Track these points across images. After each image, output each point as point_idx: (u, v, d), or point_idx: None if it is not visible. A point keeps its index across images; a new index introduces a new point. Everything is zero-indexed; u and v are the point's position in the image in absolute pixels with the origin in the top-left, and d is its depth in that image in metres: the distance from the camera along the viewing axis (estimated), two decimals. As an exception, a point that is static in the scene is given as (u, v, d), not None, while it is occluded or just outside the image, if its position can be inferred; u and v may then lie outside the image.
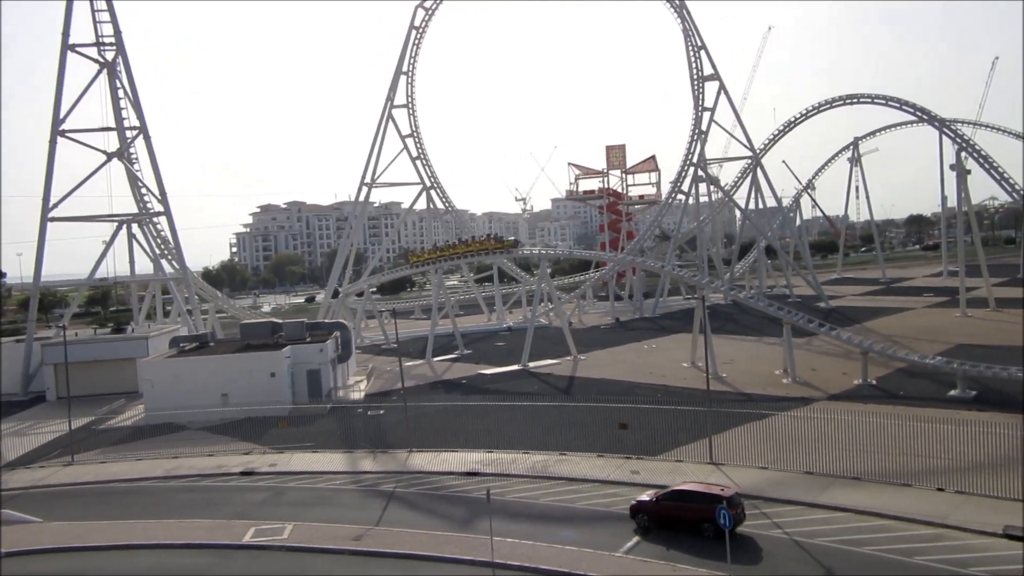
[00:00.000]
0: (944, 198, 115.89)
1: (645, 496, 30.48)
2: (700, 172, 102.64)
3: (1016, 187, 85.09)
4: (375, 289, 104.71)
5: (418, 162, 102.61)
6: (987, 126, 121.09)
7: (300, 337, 60.97)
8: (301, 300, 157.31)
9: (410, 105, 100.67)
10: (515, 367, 67.23)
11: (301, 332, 61.94)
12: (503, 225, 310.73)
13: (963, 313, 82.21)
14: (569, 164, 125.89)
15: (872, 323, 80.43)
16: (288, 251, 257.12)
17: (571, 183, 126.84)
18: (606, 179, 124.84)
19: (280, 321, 68.43)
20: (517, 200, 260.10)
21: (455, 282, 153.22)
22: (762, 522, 29.50)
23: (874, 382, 52.63)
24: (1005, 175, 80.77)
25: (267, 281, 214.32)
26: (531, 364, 67.33)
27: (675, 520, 29.00)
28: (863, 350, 53.45)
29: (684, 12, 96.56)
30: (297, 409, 52.68)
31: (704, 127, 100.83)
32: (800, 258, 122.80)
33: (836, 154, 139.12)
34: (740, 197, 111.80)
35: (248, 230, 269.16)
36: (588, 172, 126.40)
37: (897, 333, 71.73)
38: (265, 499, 36.38)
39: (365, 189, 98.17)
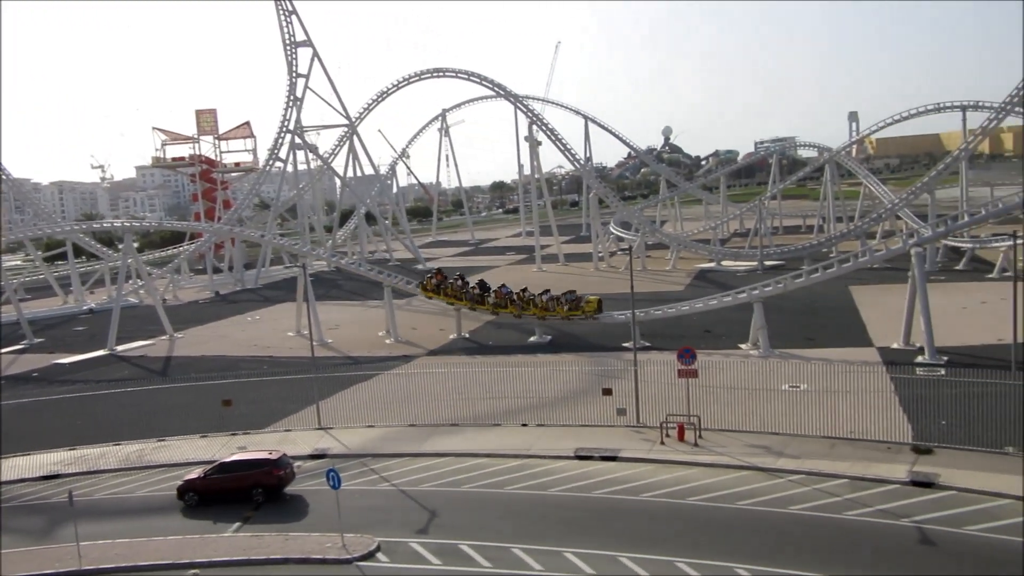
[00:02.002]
0: (520, 166, 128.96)
1: (193, 474, 29.80)
2: (297, 139, 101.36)
3: (577, 157, 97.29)
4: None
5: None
6: (554, 103, 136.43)
7: None
8: None
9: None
10: (101, 352, 60.61)
11: None
12: (77, 196, 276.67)
13: (539, 268, 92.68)
14: (154, 129, 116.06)
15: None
16: None
17: (157, 149, 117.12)
18: (197, 146, 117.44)
19: None
20: (94, 168, 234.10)
21: (19, 262, 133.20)
22: (371, 478, 30.36)
23: (467, 335, 56.97)
24: (568, 146, 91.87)
25: None
26: (120, 348, 61.26)
27: (226, 492, 28.78)
28: (456, 307, 57.47)
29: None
30: None
31: (299, 94, 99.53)
32: (398, 223, 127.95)
33: (426, 124, 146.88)
34: (339, 165, 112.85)
35: None
36: (177, 138, 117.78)
37: (486, 289, 78.35)
38: None
39: None
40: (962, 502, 24.36)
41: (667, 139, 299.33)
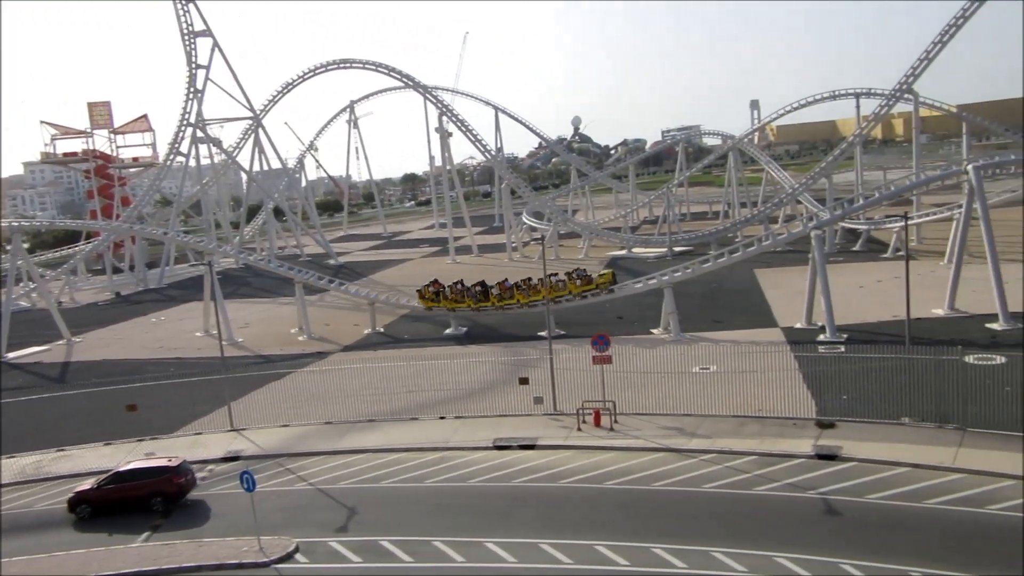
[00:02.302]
0: (432, 158, 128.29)
1: (85, 485, 28.52)
2: (199, 133, 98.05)
3: (488, 148, 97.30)
4: None
5: None
6: (464, 94, 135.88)
7: None
8: None
9: None
10: (-8, 360, 57.48)
11: None
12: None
13: (453, 260, 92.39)
14: (42, 123, 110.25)
15: (378, 275, 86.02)
16: None
17: (47, 144, 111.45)
18: (91, 140, 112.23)
19: None
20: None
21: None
22: (287, 478, 29.76)
23: (382, 330, 56.40)
24: (479, 137, 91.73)
25: None
26: (11, 355, 58.16)
27: (122, 502, 27.64)
28: (370, 301, 56.79)
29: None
30: None
31: (200, 85, 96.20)
32: (308, 218, 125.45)
33: (335, 116, 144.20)
34: (244, 159, 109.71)
35: None
36: (68, 132, 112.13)
37: (400, 282, 77.63)
38: None
39: None
40: (863, 472, 25.51)
41: (577, 129, 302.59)
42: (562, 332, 48.77)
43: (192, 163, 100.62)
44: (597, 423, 31.99)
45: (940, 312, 45.44)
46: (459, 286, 54.25)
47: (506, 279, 55.19)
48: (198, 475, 29.92)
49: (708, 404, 32.38)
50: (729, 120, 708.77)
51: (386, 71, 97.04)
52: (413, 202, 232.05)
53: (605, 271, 53.02)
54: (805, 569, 19.94)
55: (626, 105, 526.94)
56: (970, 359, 31.72)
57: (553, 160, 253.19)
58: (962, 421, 27.91)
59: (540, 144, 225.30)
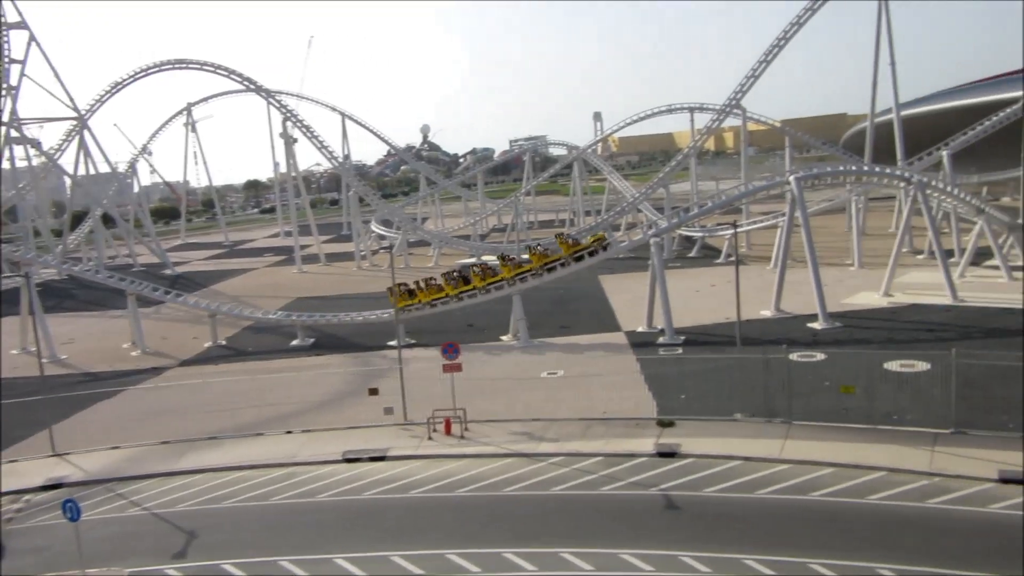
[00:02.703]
0: (276, 164, 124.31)
1: None
2: (15, 133, 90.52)
3: (335, 154, 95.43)
4: None
5: None
6: (309, 99, 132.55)
7: None
8: None
9: None
10: None
11: None
12: None
13: (299, 269, 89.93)
14: None
15: (219, 285, 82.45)
16: None
17: None
18: None
19: None
20: None
21: None
22: (118, 504, 27.87)
23: (224, 342, 54.04)
24: (325, 143, 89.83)
25: None
26: None
27: None
28: (211, 313, 54.31)
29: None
30: None
31: (15, 82, 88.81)
32: (141, 225, 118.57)
33: (171, 119, 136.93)
34: (68, 162, 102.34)
35: None
36: None
37: (242, 293, 74.87)
38: None
39: None
40: (700, 467, 26.82)
41: (426, 137, 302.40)
42: (412, 341, 48.48)
43: (6, 166, 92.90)
44: (448, 432, 31.97)
45: (768, 313, 48.56)
46: (432, 280, 51.66)
47: (483, 261, 53.29)
48: (11, 507, 27.48)
49: (556, 408, 33.09)
50: (574, 131, 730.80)
51: (225, 73, 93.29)
52: (257, 209, 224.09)
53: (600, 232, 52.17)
54: (647, 563, 20.71)
55: (475, 114, 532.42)
56: (794, 356, 34.05)
57: (402, 168, 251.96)
58: (788, 414, 29.91)
59: (389, 152, 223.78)
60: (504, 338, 48.61)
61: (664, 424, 30.89)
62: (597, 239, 49.82)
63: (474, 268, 50.27)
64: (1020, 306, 45.61)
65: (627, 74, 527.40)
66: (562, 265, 47.37)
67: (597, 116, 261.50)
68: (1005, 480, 23.93)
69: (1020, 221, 64.07)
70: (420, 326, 51.04)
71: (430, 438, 31.71)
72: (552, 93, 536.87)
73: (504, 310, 49.11)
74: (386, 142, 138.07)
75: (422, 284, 50.37)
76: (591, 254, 47.51)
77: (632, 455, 28.37)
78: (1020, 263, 57.78)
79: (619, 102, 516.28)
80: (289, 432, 33.97)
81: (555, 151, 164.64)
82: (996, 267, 54.94)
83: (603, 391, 33.82)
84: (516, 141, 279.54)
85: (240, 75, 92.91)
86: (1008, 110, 69.71)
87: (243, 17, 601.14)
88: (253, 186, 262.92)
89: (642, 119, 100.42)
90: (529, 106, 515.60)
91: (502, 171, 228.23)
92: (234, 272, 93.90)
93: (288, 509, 26.39)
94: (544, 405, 33.44)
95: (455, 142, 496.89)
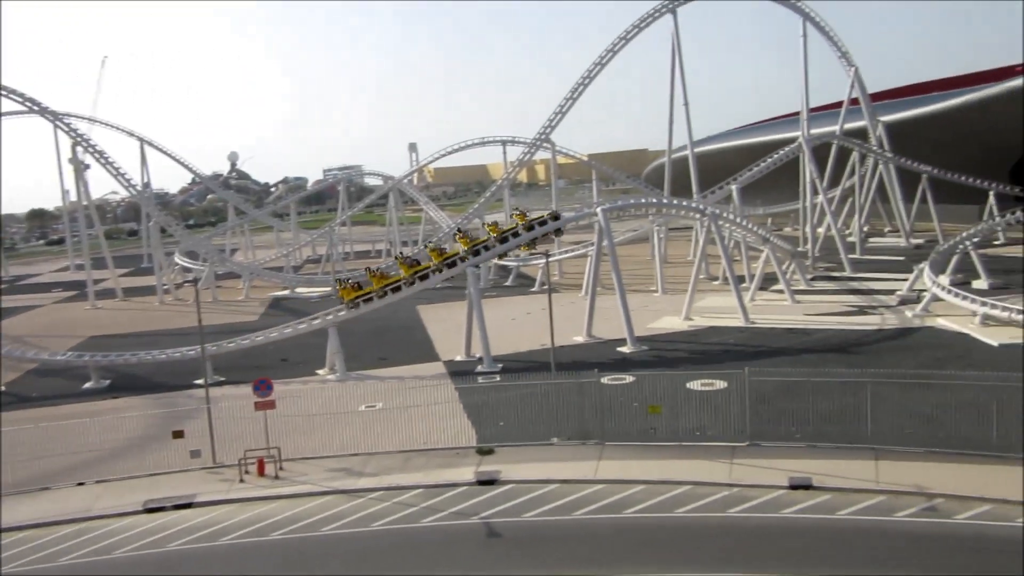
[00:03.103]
0: (66, 192, 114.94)
1: None
2: None
3: (134, 182, 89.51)
4: None
5: None
6: (103, 123, 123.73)
7: None
8: None
9: None
10: None
11: None
12: None
13: (93, 305, 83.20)
14: None
15: (-2, 326, 74.60)
16: None
17: None
18: None
19: None
20: None
21: None
22: None
23: (3, 388, 48.84)
24: (122, 171, 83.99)
25: None
26: None
27: None
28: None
29: None
30: None
31: None
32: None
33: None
34: None
35: None
36: None
37: (27, 332, 68.26)
38: None
39: None
40: (519, 493, 27.19)
41: (234, 165, 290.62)
42: (221, 379, 46.08)
43: None
44: (261, 472, 30.52)
45: (580, 339, 50.34)
46: (376, 269, 50.11)
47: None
48: None
49: (375, 442, 32.45)
50: (390, 161, 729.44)
51: (5, 93, 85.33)
52: (42, 241, 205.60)
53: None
54: (471, 594, 20.66)
55: (288, 141, 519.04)
56: (606, 380, 35.40)
57: (209, 197, 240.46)
58: (601, 436, 31.02)
59: (194, 179, 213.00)
60: (320, 372, 47.26)
61: (484, 452, 31.11)
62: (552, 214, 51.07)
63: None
64: (802, 326, 50.16)
65: (442, 106, 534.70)
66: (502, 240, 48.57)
67: (412, 147, 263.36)
68: (794, 486, 26.01)
69: (800, 249, 70.63)
70: (230, 363, 48.59)
71: (242, 480, 30.12)
72: (368, 123, 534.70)
73: (319, 343, 47.79)
74: (190, 169, 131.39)
75: (373, 270, 49.54)
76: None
77: (453, 485, 28.31)
78: (802, 287, 63.63)
79: (434, 133, 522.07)
80: (81, 484, 31.15)
81: (371, 181, 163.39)
82: (781, 291, 60.09)
83: (423, 422, 33.57)
84: (330, 170, 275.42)
85: (21, 95, 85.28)
86: (786, 149, 77.06)
87: (32, 32, 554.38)
88: (38, 216, 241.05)
89: (457, 150, 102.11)
90: (344, 135, 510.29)
91: (316, 201, 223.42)
92: (16, 310, 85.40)
93: (81, 569, 24.08)
94: (363, 439, 32.72)
95: (266, 170, 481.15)
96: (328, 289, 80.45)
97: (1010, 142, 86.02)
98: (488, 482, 28.34)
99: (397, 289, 47.41)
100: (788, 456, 28.27)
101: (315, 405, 37.16)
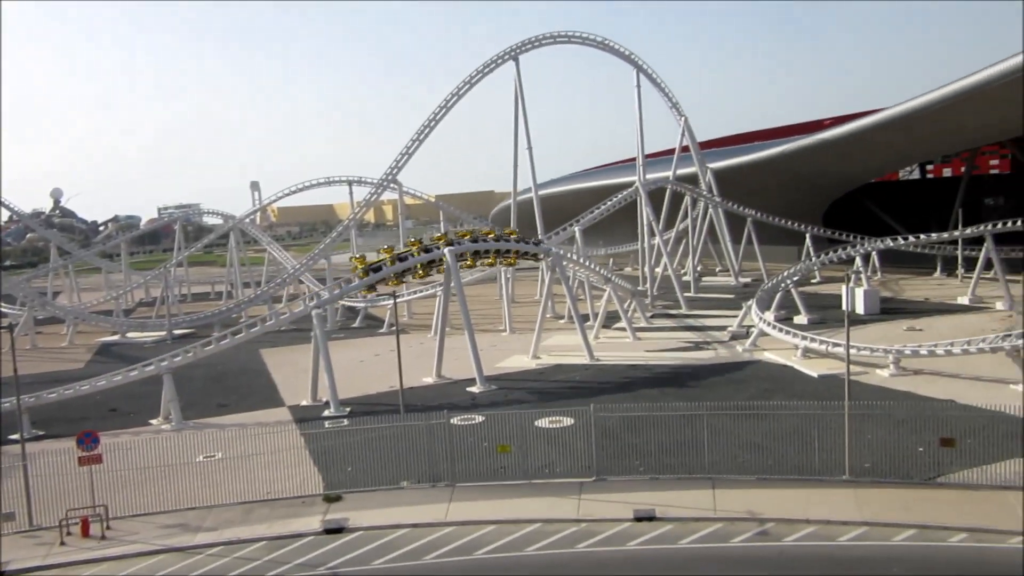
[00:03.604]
0: None
1: None
2: None
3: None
4: None
5: None
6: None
7: None
8: None
9: None
10: None
11: None
12: None
13: None
14: None
15: None
16: None
17: None
18: None
19: None
20: None
21: None
22: None
23: None
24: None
25: None
26: None
27: None
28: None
29: None
30: None
31: None
32: None
33: None
34: None
35: None
36: None
37: None
38: None
39: None
40: (368, 540, 26.53)
41: (57, 202, 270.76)
42: (40, 432, 42.44)
43: None
44: (85, 533, 28.21)
45: (430, 380, 50.08)
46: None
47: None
48: None
49: (214, 494, 30.78)
50: (230, 200, 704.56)
51: None
52: None
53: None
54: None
55: (118, 179, 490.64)
56: (455, 420, 35.36)
57: (28, 236, 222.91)
58: (452, 478, 30.86)
59: (11, 217, 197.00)
60: (154, 422, 44.46)
61: (331, 499, 30.20)
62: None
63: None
64: (643, 362, 52.19)
65: (287, 145, 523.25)
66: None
67: (255, 185, 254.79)
68: (639, 519, 26.83)
69: (640, 288, 73.73)
70: (52, 414, 44.88)
71: (63, 543, 27.73)
72: (205, 160, 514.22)
73: (154, 391, 45.06)
74: (7, 207, 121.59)
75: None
76: None
77: (298, 535, 27.27)
78: (643, 324, 66.32)
79: (278, 172, 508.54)
80: None
81: (210, 220, 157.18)
82: (623, 328, 62.36)
83: (266, 471, 32.18)
84: (166, 209, 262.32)
85: None
86: (624, 193, 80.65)
87: None
88: None
89: (301, 190, 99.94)
90: (180, 173, 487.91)
91: (150, 240, 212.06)
92: None
93: None
94: (201, 492, 30.94)
95: (94, 208, 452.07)
96: (163, 333, 76.27)
97: (822, 189, 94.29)
98: (336, 530, 27.48)
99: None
100: (633, 489, 29.17)
101: (148, 457, 34.85)
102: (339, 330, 74.88)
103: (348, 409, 44.22)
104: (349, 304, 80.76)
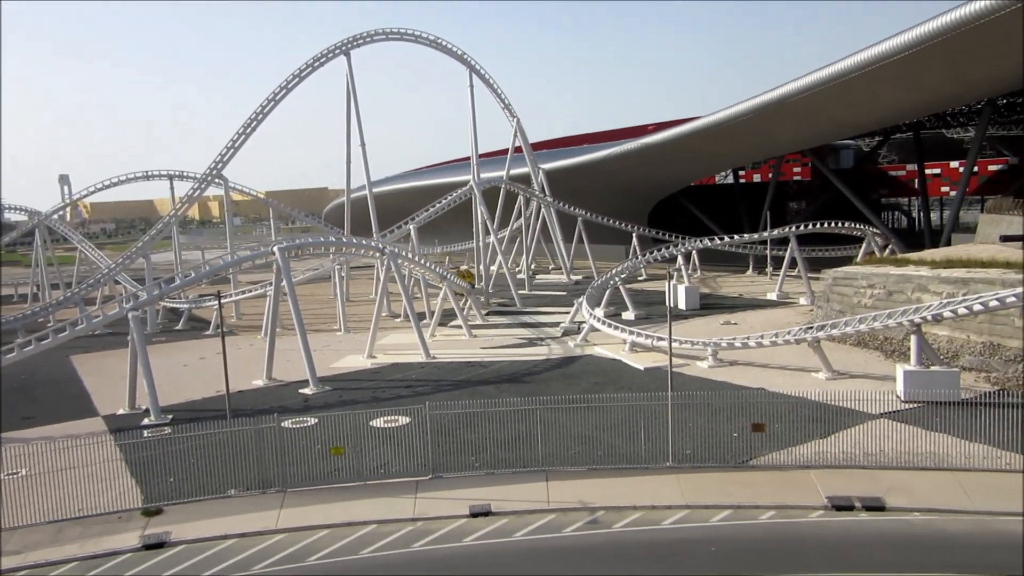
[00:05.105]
0: None
1: None
2: None
3: None
4: None
5: None
6: None
7: None
8: None
9: None
10: None
11: None
12: None
13: None
14: None
15: None
16: None
17: None
18: None
19: None
20: None
21: None
22: None
23: None
24: None
25: None
26: None
27: None
28: None
29: None
30: None
31: None
32: None
33: None
34: None
35: None
36: None
37: None
38: None
39: None
40: (193, 554, 25.23)
41: None
42: None
43: None
44: None
45: (260, 383, 48.27)
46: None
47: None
48: None
49: (18, 514, 28.24)
50: (36, 195, 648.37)
51: None
52: None
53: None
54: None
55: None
56: (287, 423, 34.29)
57: None
58: (283, 483, 29.90)
59: None
60: (-56, 439, 40.19)
61: (151, 513, 28.48)
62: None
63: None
64: (479, 359, 52.76)
65: (104, 136, 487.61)
66: None
67: (64, 179, 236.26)
68: (475, 514, 27.09)
69: (476, 286, 74.48)
70: None
71: None
72: (6, 150, 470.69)
73: (-57, 405, 40.76)
74: None
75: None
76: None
77: (114, 553, 25.53)
78: (479, 321, 67.01)
79: (91, 165, 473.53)
80: None
81: (11, 216, 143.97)
82: (459, 326, 62.77)
83: (78, 486, 29.83)
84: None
85: None
86: (459, 191, 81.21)
87: None
88: None
89: (116, 184, 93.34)
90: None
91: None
92: None
93: None
94: (2, 513, 28.29)
95: None
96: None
97: (646, 190, 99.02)
98: (156, 545, 25.95)
99: None
100: (469, 485, 29.41)
101: (-64, 478, 31.57)
102: (161, 333, 70.81)
103: (170, 416, 41.86)
104: (172, 306, 76.53)
